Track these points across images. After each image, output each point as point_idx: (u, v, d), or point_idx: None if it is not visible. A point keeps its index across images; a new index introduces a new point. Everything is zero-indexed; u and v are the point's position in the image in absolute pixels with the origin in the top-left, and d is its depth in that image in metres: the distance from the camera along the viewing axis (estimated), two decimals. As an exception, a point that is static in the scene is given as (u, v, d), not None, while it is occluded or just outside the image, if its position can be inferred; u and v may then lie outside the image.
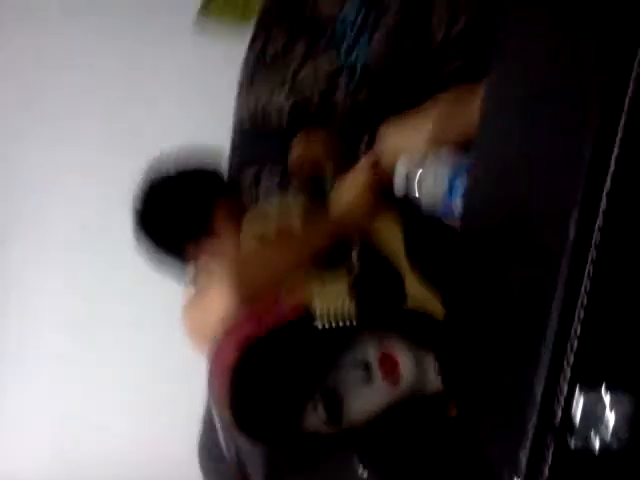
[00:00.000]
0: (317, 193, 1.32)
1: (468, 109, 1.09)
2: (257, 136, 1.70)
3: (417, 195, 1.02)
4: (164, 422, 1.93)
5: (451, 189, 0.93)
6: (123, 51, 1.87)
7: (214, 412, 1.08)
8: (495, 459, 0.65)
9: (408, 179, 1.03)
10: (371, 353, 0.95)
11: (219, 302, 1.13)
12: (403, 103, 1.34)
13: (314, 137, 1.40)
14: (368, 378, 0.93)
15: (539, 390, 0.56)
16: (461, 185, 0.90)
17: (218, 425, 1.06)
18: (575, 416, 0.56)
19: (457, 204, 0.92)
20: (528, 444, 0.57)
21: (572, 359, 0.54)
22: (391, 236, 1.17)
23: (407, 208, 1.23)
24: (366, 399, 0.93)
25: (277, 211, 1.34)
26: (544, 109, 0.64)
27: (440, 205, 0.97)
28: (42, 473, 1.94)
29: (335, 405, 0.92)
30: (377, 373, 0.94)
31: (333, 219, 1.20)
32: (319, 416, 0.91)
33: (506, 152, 0.74)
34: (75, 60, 1.88)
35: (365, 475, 0.93)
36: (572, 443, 0.57)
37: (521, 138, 0.69)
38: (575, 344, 0.55)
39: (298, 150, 1.40)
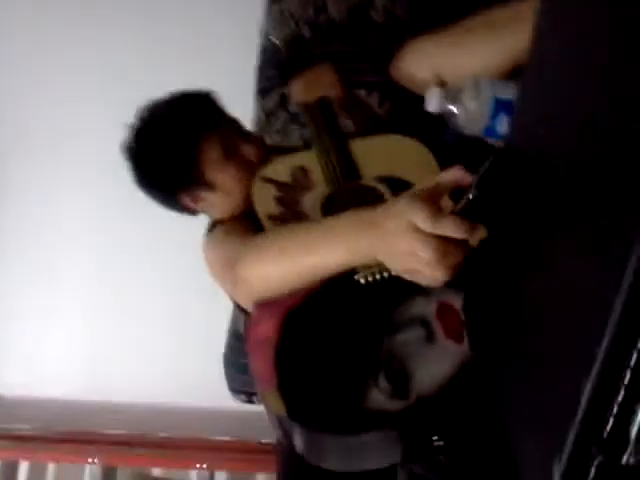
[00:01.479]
0: (329, 125, 1.14)
1: (520, 27, 0.93)
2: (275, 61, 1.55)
3: (455, 110, 0.86)
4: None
5: (497, 105, 0.78)
6: None
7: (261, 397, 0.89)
8: (524, 460, 0.53)
9: (446, 93, 0.87)
10: (425, 305, 0.79)
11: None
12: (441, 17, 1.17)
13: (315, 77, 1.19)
14: (429, 337, 0.77)
15: (587, 393, 0.44)
16: (507, 103, 0.75)
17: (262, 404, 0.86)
18: (632, 427, 0.44)
19: (503, 123, 0.77)
20: (565, 457, 0.45)
21: (635, 360, 0.41)
22: (422, 163, 1.02)
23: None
24: (432, 362, 0.76)
25: (290, 172, 1.10)
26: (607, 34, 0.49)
27: (481, 124, 0.82)
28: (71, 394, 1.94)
29: (398, 374, 0.75)
30: (438, 329, 0.77)
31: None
32: (382, 390, 0.75)
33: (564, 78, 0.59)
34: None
35: (441, 444, 0.75)
36: (624, 459, 0.44)
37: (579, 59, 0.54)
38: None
39: (299, 92, 1.20)
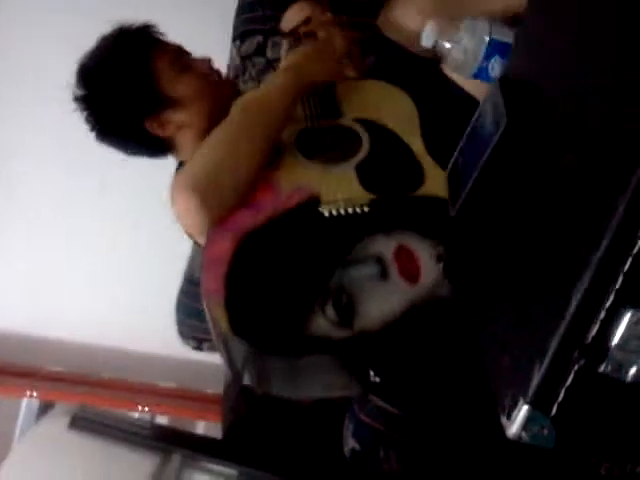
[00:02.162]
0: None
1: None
2: (259, 4, 1.50)
3: (449, 46, 0.86)
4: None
5: (492, 46, 0.78)
6: None
7: (205, 311, 0.90)
8: (500, 380, 0.54)
9: (442, 29, 0.87)
10: (385, 245, 0.81)
11: (185, 219, 0.94)
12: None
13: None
14: (382, 274, 0.79)
15: (576, 299, 0.45)
16: (503, 45, 0.76)
17: (210, 325, 0.89)
18: (613, 336, 0.45)
19: (495, 65, 0.78)
20: (547, 360, 0.47)
21: (628, 268, 0.42)
22: (404, 112, 1.03)
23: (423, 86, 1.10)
24: (381, 298, 0.79)
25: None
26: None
27: (474, 63, 0.83)
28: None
29: (346, 304, 0.78)
30: (393, 268, 0.79)
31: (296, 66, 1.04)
32: (328, 317, 0.77)
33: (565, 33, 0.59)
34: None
35: (377, 380, 0.79)
36: (602, 367, 0.46)
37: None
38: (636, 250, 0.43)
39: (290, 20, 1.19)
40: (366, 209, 0.86)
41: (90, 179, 1.83)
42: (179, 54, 1.11)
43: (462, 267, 0.71)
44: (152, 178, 1.21)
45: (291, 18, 1.18)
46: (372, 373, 0.79)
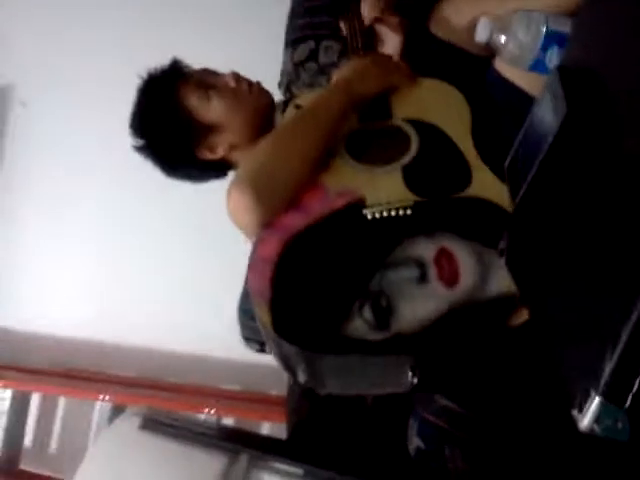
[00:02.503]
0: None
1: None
2: (311, 11, 1.52)
3: (504, 40, 0.85)
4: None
5: (549, 37, 0.77)
6: None
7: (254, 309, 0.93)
8: (569, 373, 0.53)
9: (496, 23, 0.86)
10: (425, 249, 0.81)
11: (239, 216, 0.95)
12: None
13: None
14: (421, 277, 0.79)
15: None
16: (560, 36, 0.74)
17: (259, 324, 0.91)
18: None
19: (553, 56, 0.76)
20: (618, 349, 0.46)
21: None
22: (456, 111, 1.02)
23: (478, 87, 1.09)
24: (419, 302, 0.79)
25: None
26: None
27: (531, 55, 0.81)
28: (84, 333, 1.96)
29: (384, 308, 0.78)
30: (432, 272, 0.79)
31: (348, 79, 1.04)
32: (366, 320, 0.78)
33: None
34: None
35: (415, 381, 0.79)
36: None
37: None
38: None
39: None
40: (409, 212, 0.86)
41: (152, 185, 1.89)
42: (201, 79, 1.14)
43: (524, 261, 0.70)
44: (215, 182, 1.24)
45: (367, 14, 1.17)
46: (410, 374, 0.79)
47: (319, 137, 0.97)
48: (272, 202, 0.90)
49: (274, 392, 1.83)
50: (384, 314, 0.78)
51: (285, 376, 1.45)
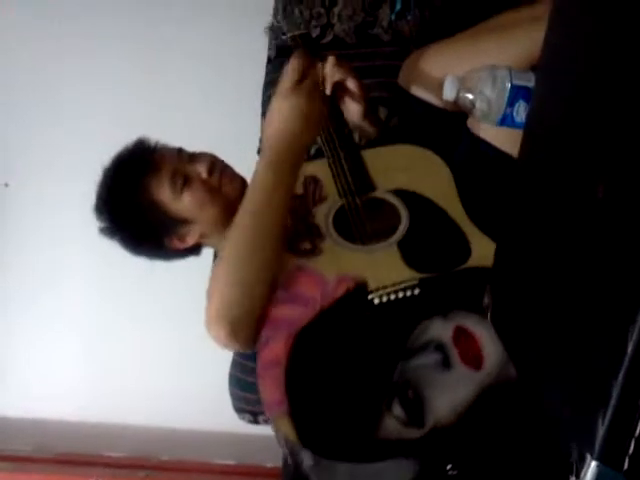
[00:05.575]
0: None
1: (531, 31, 0.94)
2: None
3: (471, 97, 0.86)
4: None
5: (515, 92, 0.78)
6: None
7: (271, 424, 0.86)
8: (564, 435, 0.51)
9: (463, 81, 0.87)
10: (442, 328, 0.76)
11: (223, 344, 0.93)
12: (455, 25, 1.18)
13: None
14: (445, 362, 0.74)
15: (633, 342, 0.42)
16: (525, 90, 0.75)
17: (274, 432, 0.84)
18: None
19: (520, 110, 0.77)
20: (610, 410, 0.44)
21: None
22: (439, 177, 0.99)
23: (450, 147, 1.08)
24: (448, 389, 0.73)
25: (302, 182, 1.07)
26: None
27: (499, 110, 0.82)
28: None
29: (414, 401, 0.72)
30: (454, 354, 0.74)
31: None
32: (396, 417, 0.71)
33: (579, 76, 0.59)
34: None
35: (454, 473, 0.72)
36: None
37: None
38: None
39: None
40: (416, 291, 0.82)
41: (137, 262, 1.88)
42: (175, 169, 1.08)
43: (509, 320, 0.68)
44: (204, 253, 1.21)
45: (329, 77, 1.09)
46: (449, 467, 0.72)
47: (273, 238, 0.91)
48: (250, 325, 0.89)
49: (269, 464, 1.77)
50: (415, 407, 0.72)
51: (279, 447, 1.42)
